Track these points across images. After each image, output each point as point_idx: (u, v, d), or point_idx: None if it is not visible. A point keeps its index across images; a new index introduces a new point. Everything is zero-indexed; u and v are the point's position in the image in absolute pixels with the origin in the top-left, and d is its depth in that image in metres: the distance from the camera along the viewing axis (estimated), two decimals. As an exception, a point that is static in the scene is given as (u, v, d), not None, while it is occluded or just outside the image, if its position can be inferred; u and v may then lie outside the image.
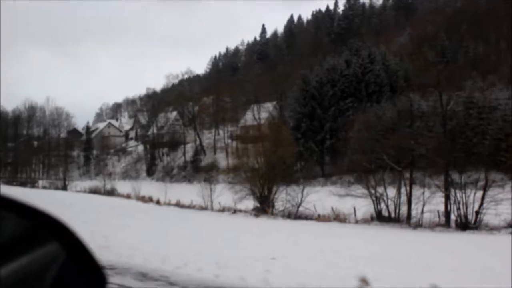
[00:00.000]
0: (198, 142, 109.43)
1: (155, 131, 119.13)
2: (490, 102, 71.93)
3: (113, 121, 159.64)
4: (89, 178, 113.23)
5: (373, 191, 42.34)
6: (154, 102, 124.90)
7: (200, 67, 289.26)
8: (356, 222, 42.57)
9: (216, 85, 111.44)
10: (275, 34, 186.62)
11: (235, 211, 52.21)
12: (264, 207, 52.15)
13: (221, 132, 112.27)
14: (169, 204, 60.28)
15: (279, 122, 76.10)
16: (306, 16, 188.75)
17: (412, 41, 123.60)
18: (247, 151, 56.65)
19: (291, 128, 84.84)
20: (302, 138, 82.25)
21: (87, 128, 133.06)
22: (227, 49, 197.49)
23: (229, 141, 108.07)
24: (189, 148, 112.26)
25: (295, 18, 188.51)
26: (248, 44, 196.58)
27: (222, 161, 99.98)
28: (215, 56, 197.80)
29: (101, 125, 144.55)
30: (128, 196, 67.67)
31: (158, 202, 62.01)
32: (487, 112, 71.42)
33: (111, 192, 73.29)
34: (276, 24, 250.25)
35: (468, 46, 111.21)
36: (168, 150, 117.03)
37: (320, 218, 42.31)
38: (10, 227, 1.70)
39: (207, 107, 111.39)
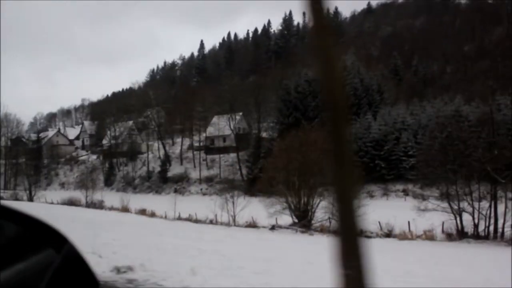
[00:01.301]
0: (163, 152, 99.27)
1: (110, 140, 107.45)
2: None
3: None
4: (41, 188, 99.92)
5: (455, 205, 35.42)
6: (112, 110, 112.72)
7: (132, 79, 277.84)
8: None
9: (187, 94, 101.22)
10: (213, 49, 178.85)
11: (273, 227, 43.78)
12: (305, 222, 44.25)
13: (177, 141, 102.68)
14: (179, 218, 50.68)
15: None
16: (243, 33, 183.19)
17: (360, 59, 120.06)
18: (281, 160, 48.01)
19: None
20: (286, 149, 75.05)
21: (38, 136, 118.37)
22: (165, 62, 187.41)
23: (191, 151, 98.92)
24: (150, 158, 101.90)
25: (232, 36, 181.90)
26: (183, 59, 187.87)
27: (192, 172, 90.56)
28: (153, 69, 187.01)
29: (50, 134, 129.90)
30: (124, 210, 57.03)
31: (165, 217, 52.11)
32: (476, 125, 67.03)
33: (98, 205, 62.09)
34: (215, 40, 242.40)
35: (417, 66, 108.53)
36: (126, 160, 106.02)
37: (402, 236, 34.91)
38: (8, 234, 1.71)
39: (172, 117, 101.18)
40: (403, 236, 35.17)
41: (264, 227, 45.87)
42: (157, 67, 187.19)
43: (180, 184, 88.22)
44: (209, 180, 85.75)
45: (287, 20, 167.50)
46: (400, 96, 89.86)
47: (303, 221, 44.74)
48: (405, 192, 67.74)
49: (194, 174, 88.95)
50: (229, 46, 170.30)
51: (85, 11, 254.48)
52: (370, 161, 69.57)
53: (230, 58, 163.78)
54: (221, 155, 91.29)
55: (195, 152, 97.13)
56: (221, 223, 48.96)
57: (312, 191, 46.02)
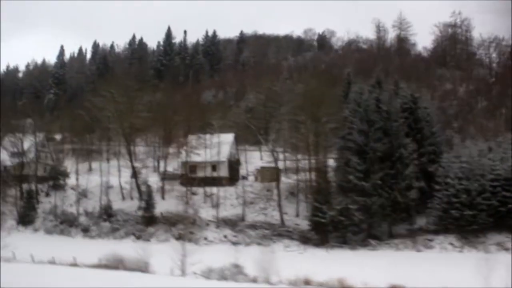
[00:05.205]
0: (125, 179, 67.17)
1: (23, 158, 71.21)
2: None
3: None
4: None
5: None
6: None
7: None
8: None
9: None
10: (80, 59, 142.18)
11: None
12: None
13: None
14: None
15: None
16: (117, 45, 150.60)
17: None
18: None
19: (345, 173, 55.19)
20: (380, 186, 53.43)
21: None
22: (7, 68, 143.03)
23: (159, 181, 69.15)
24: (91, 188, 68.77)
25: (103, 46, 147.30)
26: (28, 66, 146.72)
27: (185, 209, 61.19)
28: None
29: None
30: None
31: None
32: None
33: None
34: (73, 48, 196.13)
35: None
36: (47, 187, 70.75)
37: None
38: None
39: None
40: None
41: None
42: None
43: (183, 227, 58.42)
44: (230, 223, 58.24)
45: (168, 37, 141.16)
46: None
47: None
48: None
49: (204, 214, 60.01)
50: (104, 57, 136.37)
51: None
52: (500, 204, 51.78)
53: (104, 70, 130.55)
54: (214, 188, 64.64)
55: (158, 183, 67.88)
56: None
57: None
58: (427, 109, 62.03)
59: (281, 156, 67.48)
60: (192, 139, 68.73)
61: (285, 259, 47.26)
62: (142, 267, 37.70)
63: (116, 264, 38.98)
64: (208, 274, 32.97)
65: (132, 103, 66.08)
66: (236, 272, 32.64)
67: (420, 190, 56.37)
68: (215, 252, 47.24)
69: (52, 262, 43.71)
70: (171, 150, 68.76)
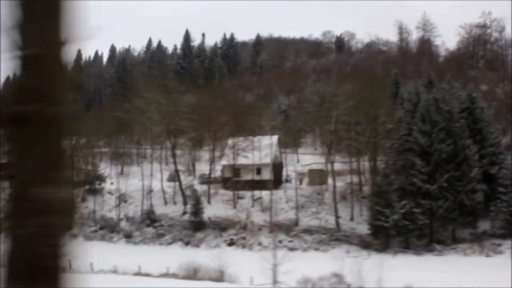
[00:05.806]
0: (167, 182, 64.38)
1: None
2: None
3: None
4: None
5: None
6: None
7: None
8: None
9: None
10: (97, 63, 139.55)
11: None
12: None
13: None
14: None
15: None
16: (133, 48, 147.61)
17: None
18: None
19: (407, 175, 52.59)
20: (446, 189, 50.84)
21: None
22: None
23: (198, 185, 66.51)
24: (129, 192, 65.96)
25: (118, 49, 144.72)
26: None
27: (241, 214, 58.56)
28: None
29: None
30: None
31: None
32: None
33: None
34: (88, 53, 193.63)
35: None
36: (84, 192, 67.94)
37: None
38: None
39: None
40: None
41: None
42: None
43: (233, 233, 56.00)
44: (284, 227, 55.57)
45: (187, 40, 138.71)
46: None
47: None
48: None
49: (254, 218, 57.36)
50: (123, 60, 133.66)
51: None
52: None
53: (123, 74, 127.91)
54: (261, 192, 61.96)
55: (203, 186, 64.98)
56: None
57: None
58: (484, 110, 59.65)
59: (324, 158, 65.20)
60: (238, 141, 65.96)
61: (357, 266, 44.70)
62: (219, 277, 35.28)
63: (191, 273, 36.46)
64: (304, 284, 30.31)
65: (176, 104, 63.39)
66: (337, 281, 30.01)
67: (483, 193, 54.05)
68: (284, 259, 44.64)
69: (114, 271, 41.23)
70: (216, 153, 65.88)
